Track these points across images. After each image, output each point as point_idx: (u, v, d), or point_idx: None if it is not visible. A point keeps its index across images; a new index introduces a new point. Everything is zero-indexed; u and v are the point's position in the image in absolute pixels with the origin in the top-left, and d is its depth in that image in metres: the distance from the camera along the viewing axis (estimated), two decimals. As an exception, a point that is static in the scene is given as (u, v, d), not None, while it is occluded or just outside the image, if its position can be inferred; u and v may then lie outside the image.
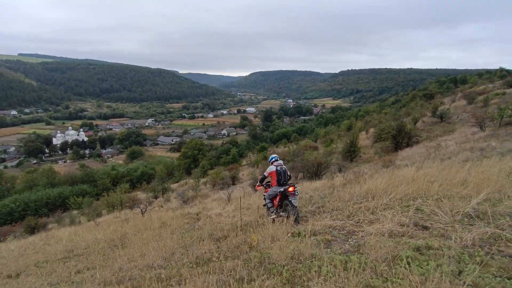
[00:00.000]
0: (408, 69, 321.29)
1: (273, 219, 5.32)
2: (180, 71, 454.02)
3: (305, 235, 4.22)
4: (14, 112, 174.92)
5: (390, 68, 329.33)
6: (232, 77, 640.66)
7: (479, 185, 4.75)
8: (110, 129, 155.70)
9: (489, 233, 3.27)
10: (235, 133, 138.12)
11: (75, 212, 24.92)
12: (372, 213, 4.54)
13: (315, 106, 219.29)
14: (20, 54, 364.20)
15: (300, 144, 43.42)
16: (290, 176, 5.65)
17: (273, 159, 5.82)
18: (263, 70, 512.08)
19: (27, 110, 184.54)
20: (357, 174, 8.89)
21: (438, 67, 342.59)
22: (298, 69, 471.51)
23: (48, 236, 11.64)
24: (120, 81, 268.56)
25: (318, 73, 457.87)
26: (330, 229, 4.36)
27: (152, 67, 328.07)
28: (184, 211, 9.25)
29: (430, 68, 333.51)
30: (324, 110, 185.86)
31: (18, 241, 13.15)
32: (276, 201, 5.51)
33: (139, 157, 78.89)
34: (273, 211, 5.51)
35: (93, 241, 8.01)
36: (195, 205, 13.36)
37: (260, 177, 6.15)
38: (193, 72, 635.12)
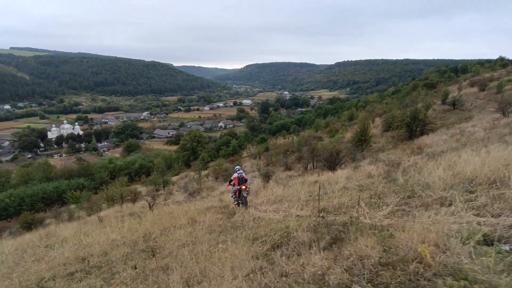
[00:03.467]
0: (404, 59, 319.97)
1: (237, 204, 8.41)
2: (175, 64, 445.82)
3: (490, 242, 2.80)
4: (7, 107, 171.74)
5: (387, 59, 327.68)
6: (226, 69, 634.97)
7: None
8: (105, 122, 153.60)
9: None
10: (232, 126, 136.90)
11: (72, 206, 23.98)
12: None
13: (312, 97, 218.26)
14: (12, 48, 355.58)
15: (302, 135, 42.66)
16: (246, 179, 8.69)
17: (237, 169, 8.83)
18: (258, 62, 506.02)
19: (20, 104, 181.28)
20: (389, 162, 8.07)
21: (435, 58, 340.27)
22: (294, 61, 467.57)
23: (48, 234, 10.31)
24: (114, 74, 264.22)
25: (314, 65, 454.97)
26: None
27: (146, 60, 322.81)
28: (206, 205, 8.32)
29: (427, 58, 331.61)
30: (321, 102, 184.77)
31: (13, 239, 12.15)
32: (237, 194, 8.44)
33: (136, 150, 77.69)
34: (235, 200, 8.54)
35: (110, 244, 6.33)
36: (204, 198, 12.52)
37: (229, 180, 9.10)
38: (187, 65, 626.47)
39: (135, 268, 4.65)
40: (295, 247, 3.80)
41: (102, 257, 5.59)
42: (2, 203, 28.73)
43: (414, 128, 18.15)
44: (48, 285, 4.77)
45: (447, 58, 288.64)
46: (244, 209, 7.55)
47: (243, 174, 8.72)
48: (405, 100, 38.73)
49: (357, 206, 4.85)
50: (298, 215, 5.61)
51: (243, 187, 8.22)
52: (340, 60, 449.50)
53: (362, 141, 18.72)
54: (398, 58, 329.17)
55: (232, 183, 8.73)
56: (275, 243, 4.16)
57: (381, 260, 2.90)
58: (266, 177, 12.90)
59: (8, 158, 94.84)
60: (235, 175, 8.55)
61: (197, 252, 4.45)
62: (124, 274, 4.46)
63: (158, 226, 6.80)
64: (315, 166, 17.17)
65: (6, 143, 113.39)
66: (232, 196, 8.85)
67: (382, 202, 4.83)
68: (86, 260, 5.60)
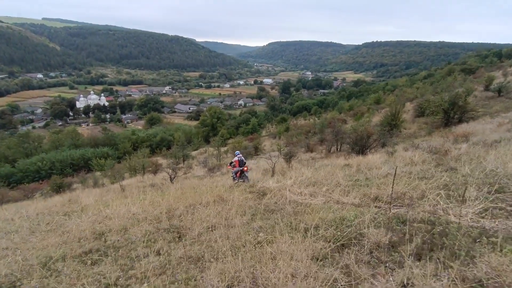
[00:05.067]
0: (439, 42, 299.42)
1: (236, 183, 8.94)
2: (197, 39, 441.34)
3: None
4: (40, 76, 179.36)
5: (419, 41, 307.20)
6: (249, 46, 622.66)
7: None
8: (129, 95, 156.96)
9: None
10: (252, 104, 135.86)
11: (97, 173, 24.89)
12: None
13: (335, 79, 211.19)
14: (44, 18, 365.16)
15: (324, 117, 41.53)
16: (245, 162, 10.07)
17: (237, 153, 10.11)
18: (281, 40, 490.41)
19: (52, 74, 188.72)
20: (432, 149, 7.38)
21: (474, 41, 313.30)
22: (319, 40, 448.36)
23: (72, 199, 10.52)
24: (138, 47, 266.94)
25: (340, 45, 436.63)
26: None
27: (170, 34, 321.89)
28: (229, 182, 8.01)
29: (465, 42, 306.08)
30: (344, 84, 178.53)
31: (44, 200, 12.67)
32: (238, 175, 9.73)
33: (158, 123, 79.20)
34: (236, 179, 9.67)
35: (130, 219, 5.68)
36: (224, 174, 12.41)
37: (229, 161, 10.47)
38: (210, 40, 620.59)
39: (159, 254, 4.03)
40: (370, 250, 3.02)
41: (121, 235, 5.01)
42: (35, 166, 30.41)
43: (451, 114, 16.86)
44: (55, 267, 4.15)
45: (489, 42, 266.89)
46: (246, 183, 8.51)
47: (243, 157, 10.12)
48: (440, 85, 36.35)
49: (426, 198, 4.16)
50: (343, 203, 5.00)
51: (245, 168, 9.69)
52: (369, 40, 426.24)
53: (392, 125, 17.74)
54: (432, 41, 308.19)
55: (232, 164, 10.00)
56: (336, 239, 3.35)
57: None
58: (289, 157, 12.53)
59: (41, 124, 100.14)
60: (236, 158, 9.85)
61: (232, 239, 3.84)
62: (146, 263, 3.79)
63: (182, 202, 6.25)
64: (339, 149, 16.57)
65: (39, 110, 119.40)
66: (232, 176, 10.12)
67: (462, 196, 4.05)
68: (103, 237, 5.04)
